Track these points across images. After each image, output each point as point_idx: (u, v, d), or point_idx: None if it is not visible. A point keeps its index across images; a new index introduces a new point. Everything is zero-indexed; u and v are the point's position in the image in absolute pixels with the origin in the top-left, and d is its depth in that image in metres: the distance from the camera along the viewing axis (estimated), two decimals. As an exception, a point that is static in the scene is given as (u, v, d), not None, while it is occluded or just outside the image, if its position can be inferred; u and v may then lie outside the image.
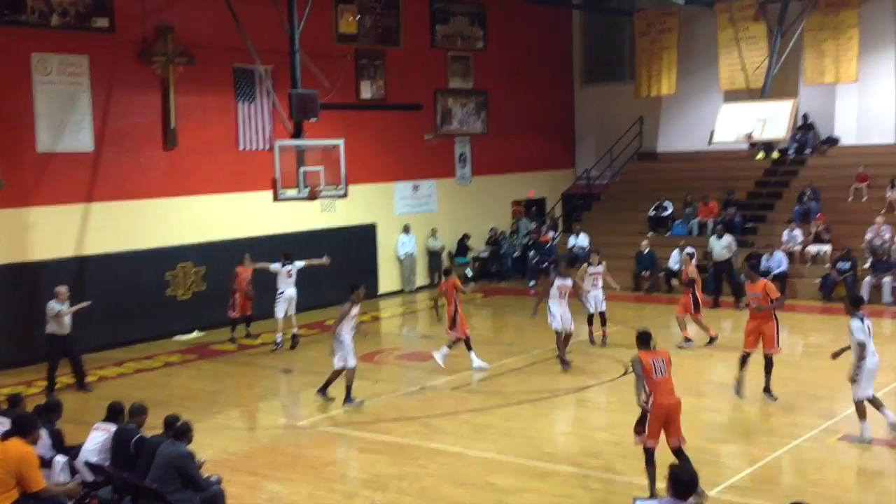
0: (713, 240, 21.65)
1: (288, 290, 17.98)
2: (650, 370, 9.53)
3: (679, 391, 14.00)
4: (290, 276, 18.01)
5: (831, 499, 9.69)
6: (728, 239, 21.29)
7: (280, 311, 17.97)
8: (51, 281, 17.69)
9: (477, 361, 15.82)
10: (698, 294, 17.56)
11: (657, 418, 9.49)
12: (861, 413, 11.41)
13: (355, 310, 13.82)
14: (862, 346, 11.21)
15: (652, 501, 6.68)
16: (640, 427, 9.64)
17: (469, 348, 15.88)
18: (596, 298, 17.55)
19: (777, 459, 11.14)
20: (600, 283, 17.71)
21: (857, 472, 10.79)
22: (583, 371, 15.67)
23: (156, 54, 19.35)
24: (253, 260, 18.52)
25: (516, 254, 26.70)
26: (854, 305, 11.61)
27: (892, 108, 25.17)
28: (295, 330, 18.26)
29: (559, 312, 15.64)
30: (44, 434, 9.56)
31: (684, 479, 6.51)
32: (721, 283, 21.60)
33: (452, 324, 15.81)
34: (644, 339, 9.98)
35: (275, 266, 18.04)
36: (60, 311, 14.86)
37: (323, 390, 13.94)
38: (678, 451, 9.49)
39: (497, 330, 21.00)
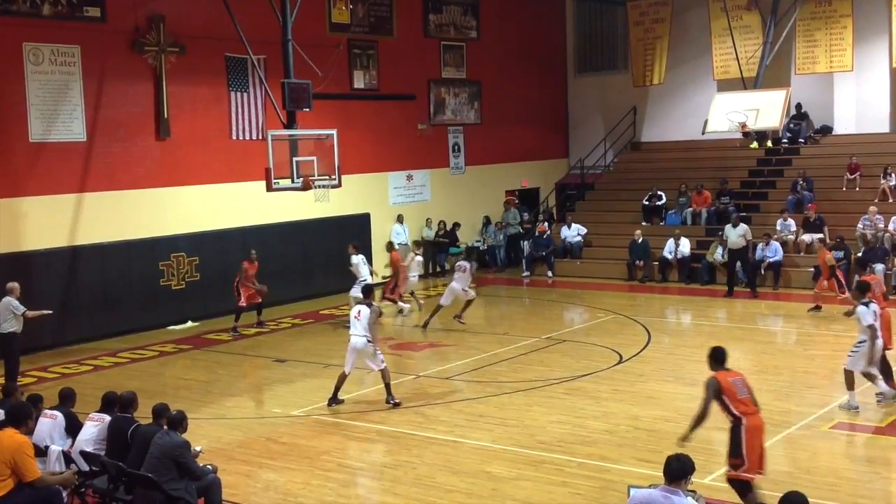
0: (728, 228, 21.61)
1: (370, 278, 18.81)
2: (732, 391, 8.56)
3: (672, 379, 14.17)
4: (365, 263, 18.99)
5: (825, 486, 9.72)
6: (743, 228, 21.38)
7: (354, 292, 18.35)
8: (44, 270, 17.73)
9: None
10: (840, 277, 18.82)
11: (755, 440, 8.51)
12: (849, 383, 12.27)
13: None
14: (872, 330, 11.95)
15: (647, 489, 6.70)
16: (736, 459, 8.50)
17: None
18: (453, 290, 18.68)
19: (770, 447, 11.11)
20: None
21: (851, 459, 10.83)
22: (576, 361, 15.72)
23: (148, 44, 19.29)
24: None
25: (483, 246, 26.53)
26: (860, 292, 12.42)
27: (886, 97, 25.23)
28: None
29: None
30: (60, 417, 9.83)
31: (673, 466, 6.56)
32: (735, 271, 21.56)
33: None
34: (719, 358, 8.94)
35: (355, 259, 18.89)
36: (26, 313, 14.68)
37: (389, 398, 13.49)
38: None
39: (490, 319, 21.01)
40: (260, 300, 18.95)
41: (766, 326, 18.54)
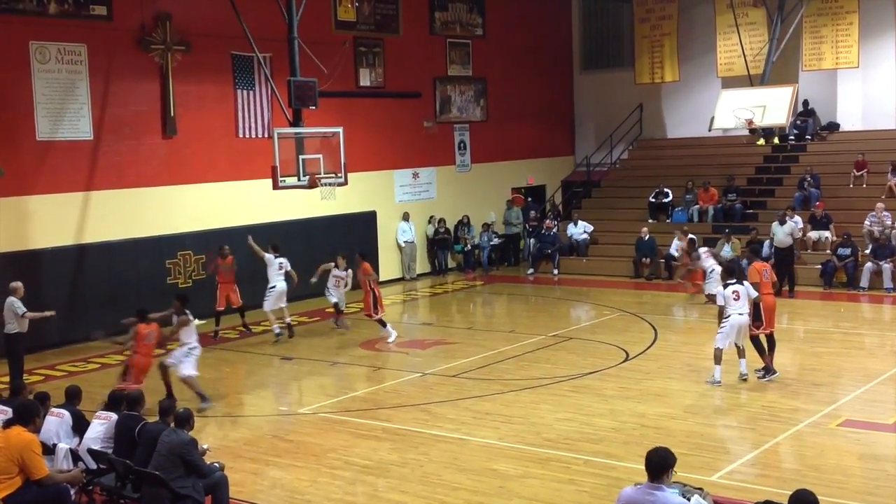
0: (775, 225, 21.22)
1: (280, 285, 17.76)
2: (141, 336, 13.10)
3: (679, 377, 14.18)
4: (280, 269, 17.86)
5: (833, 484, 9.70)
6: (791, 225, 21.00)
7: (268, 305, 17.79)
8: (51, 269, 17.77)
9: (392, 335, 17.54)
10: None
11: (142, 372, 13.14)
12: (716, 358, 13.63)
13: None
14: (721, 310, 13.68)
15: (630, 488, 6.77)
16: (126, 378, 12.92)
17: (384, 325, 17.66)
18: (339, 296, 18.37)
19: (778, 445, 11.16)
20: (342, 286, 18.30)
21: (859, 457, 10.80)
22: (583, 358, 15.71)
23: (154, 42, 19.31)
24: (251, 245, 18.13)
25: (467, 247, 26.12)
26: (728, 274, 14.15)
27: (893, 93, 25.15)
28: (288, 319, 18.05)
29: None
30: (67, 416, 9.86)
31: (653, 461, 6.59)
32: (785, 271, 20.38)
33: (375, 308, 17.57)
34: (143, 313, 13.41)
35: (268, 256, 17.89)
36: (26, 314, 14.60)
37: None
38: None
39: (496, 317, 21.02)
40: (240, 303, 18.40)
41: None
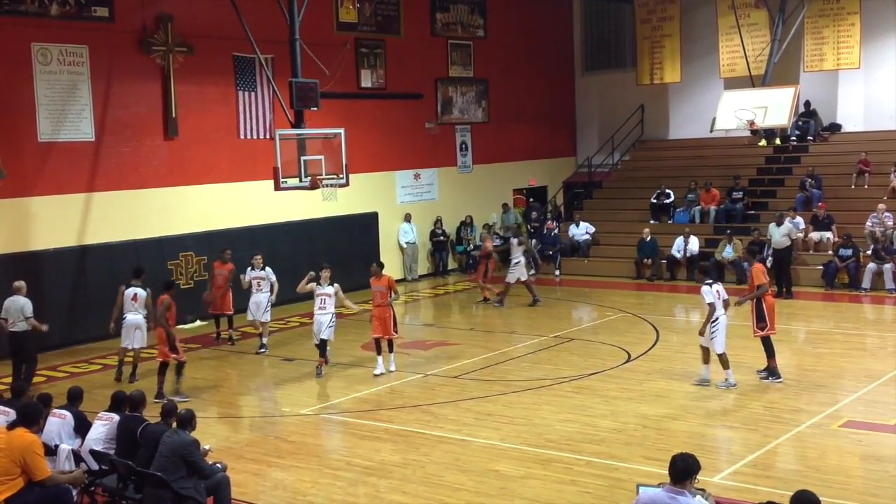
0: (772, 227, 21.18)
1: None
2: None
3: (681, 377, 14.18)
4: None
5: (834, 485, 9.69)
6: (788, 226, 20.91)
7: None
8: (52, 270, 17.78)
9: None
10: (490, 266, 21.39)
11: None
12: (724, 363, 13.44)
13: None
14: (711, 308, 13.34)
15: (653, 489, 6.74)
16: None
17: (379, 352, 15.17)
18: (319, 324, 15.19)
19: (779, 446, 11.16)
20: (329, 308, 15.21)
21: (860, 458, 10.80)
22: (584, 359, 15.71)
23: (156, 44, 19.32)
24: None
25: (470, 247, 25.99)
26: (704, 274, 13.89)
27: (894, 94, 25.14)
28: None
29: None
30: (70, 417, 9.88)
31: (678, 466, 6.62)
32: (782, 272, 20.43)
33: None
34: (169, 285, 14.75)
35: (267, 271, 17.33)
36: (30, 319, 14.46)
37: None
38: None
39: (498, 318, 21.00)
40: (231, 311, 17.96)
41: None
